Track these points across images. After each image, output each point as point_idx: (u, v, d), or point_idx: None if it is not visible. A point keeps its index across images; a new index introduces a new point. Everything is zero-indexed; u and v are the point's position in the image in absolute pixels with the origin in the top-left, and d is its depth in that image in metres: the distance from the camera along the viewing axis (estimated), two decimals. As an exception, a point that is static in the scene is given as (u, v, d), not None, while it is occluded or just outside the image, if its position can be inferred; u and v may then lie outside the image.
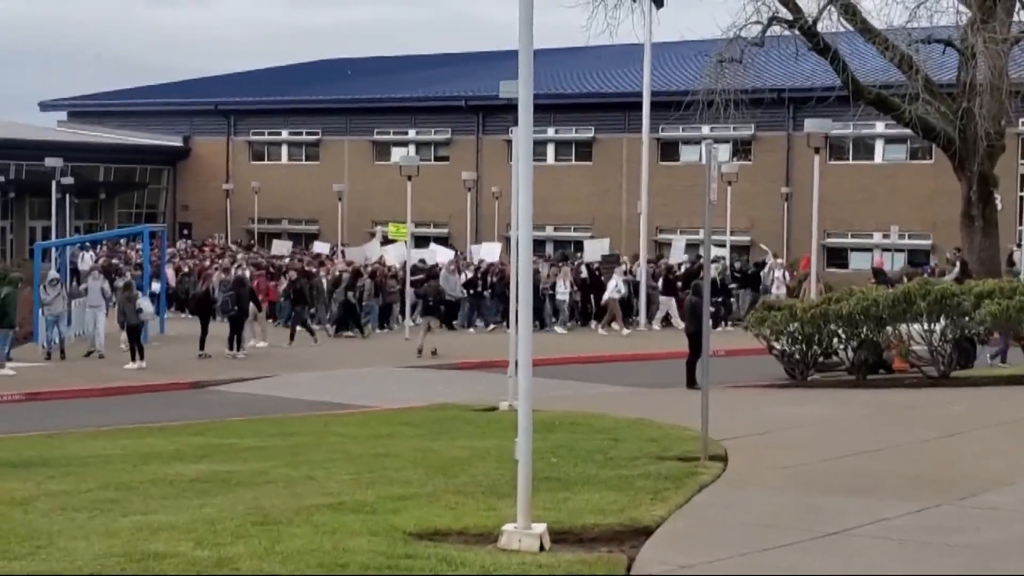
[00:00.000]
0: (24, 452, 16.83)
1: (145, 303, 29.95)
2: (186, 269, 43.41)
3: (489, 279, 38.82)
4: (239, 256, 47.68)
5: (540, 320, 35.83)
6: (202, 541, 9.67)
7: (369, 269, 38.76)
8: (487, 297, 38.22)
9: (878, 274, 39.41)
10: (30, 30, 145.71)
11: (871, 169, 53.21)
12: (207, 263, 44.19)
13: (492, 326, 37.00)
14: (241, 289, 31.27)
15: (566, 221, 57.93)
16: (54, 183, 49.10)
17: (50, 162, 50.34)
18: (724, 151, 51.99)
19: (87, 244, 51.31)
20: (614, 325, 36.18)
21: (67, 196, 53.20)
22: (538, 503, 10.26)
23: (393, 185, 47.99)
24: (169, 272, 40.28)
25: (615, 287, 36.78)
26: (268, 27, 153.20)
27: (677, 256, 41.68)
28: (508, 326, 34.42)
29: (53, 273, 31.64)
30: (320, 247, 49.31)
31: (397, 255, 41.22)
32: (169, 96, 74.46)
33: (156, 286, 36.29)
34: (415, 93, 65.35)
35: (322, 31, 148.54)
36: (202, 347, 30.18)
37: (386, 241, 48.22)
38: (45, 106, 77.49)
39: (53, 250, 39.63)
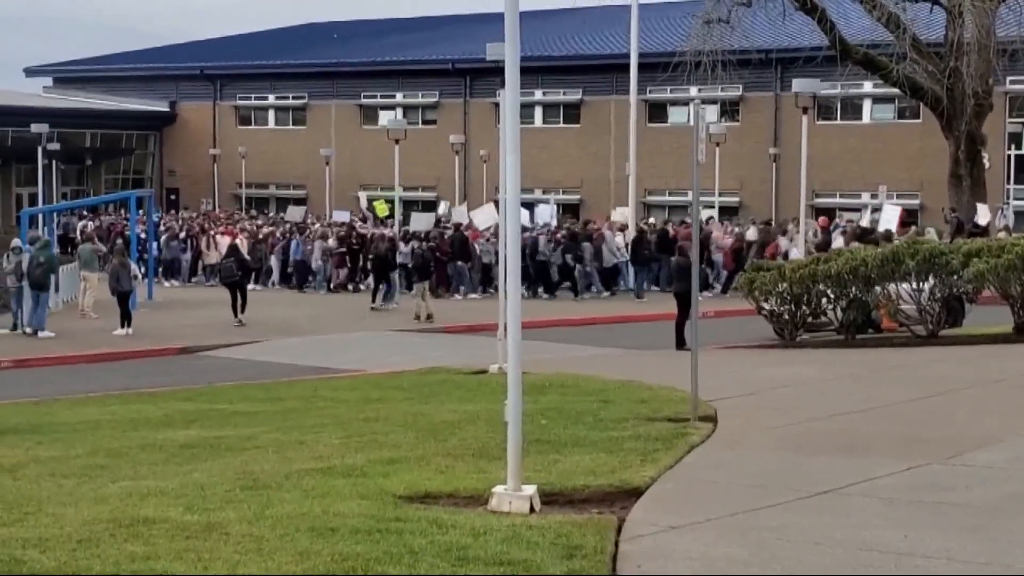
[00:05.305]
0: (13, 418, 16.81)
1: (135, 269, 30.31)
2: (260, 236, 41.56)
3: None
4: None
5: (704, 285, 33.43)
6: (191, 506, 9.66)
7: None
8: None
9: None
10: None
11: (859, 129, 53.17)
12: (275, 232, 42.40)
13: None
14: (240, 255, 31.80)
15: (554, 184, 57.81)
16: (40, 149, 48.87)
17: (36, 128, 50.03)
18: (712, 112, 51.92)
19: (86, 212, 51.17)
20: None
21: (53, 162, 52.91)
22: (528, 465, 10.25)
23: (380, 149, 47.85)
24: (241, 241, 38.32)
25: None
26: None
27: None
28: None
29: (16, 242, 31.53)
30: (339, 215, 48.42)
31: (488, 218, 38.94)
32: (155, 61, 74.10)
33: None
34: (402, 56, 65.08)
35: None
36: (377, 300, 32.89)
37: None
38: (30, 72, 77.13)
39: (40, 217, 39.39)
